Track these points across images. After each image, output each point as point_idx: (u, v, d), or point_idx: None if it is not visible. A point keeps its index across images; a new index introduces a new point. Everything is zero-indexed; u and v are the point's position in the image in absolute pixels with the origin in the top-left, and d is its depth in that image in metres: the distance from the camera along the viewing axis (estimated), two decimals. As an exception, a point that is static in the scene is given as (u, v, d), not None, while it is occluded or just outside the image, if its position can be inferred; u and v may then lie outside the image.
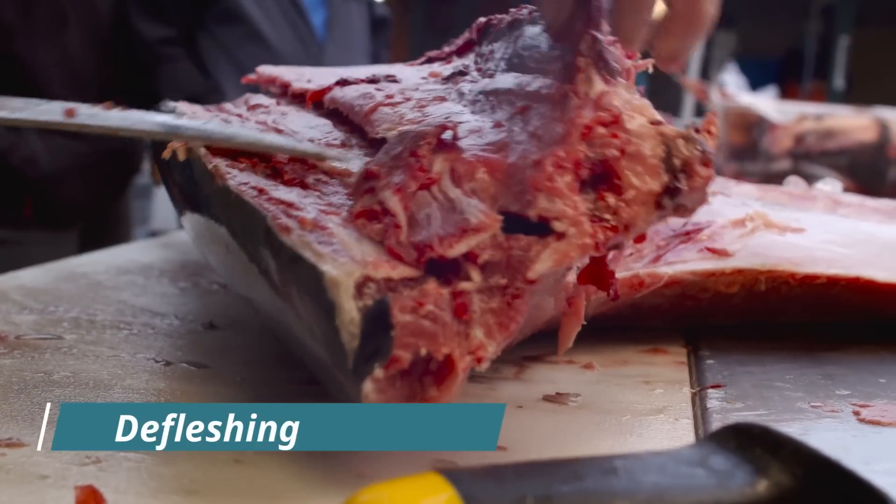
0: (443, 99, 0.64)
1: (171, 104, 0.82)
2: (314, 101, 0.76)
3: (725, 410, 0.59)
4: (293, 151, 0.59)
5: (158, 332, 0.76)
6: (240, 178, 0.56)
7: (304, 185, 0.57)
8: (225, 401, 0.60)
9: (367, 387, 0.43)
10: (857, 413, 0.58)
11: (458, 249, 0.47)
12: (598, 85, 0.53)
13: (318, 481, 0.48)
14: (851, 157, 2.34)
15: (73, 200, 1.66)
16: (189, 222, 0.71)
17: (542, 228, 0.48)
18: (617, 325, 0.76)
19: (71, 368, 0.65)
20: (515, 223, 0.48)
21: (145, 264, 1.03)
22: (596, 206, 0.48)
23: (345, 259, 0.47)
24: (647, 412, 0.60)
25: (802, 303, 0.76)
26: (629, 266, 0.75)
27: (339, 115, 0.70)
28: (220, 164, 0.59)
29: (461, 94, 0.63)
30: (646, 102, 0.53)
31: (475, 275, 0.47)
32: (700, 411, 0.59)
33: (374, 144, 0.62)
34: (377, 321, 0.44)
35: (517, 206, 0.48)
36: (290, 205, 0.53)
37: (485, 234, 0.47)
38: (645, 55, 0.58)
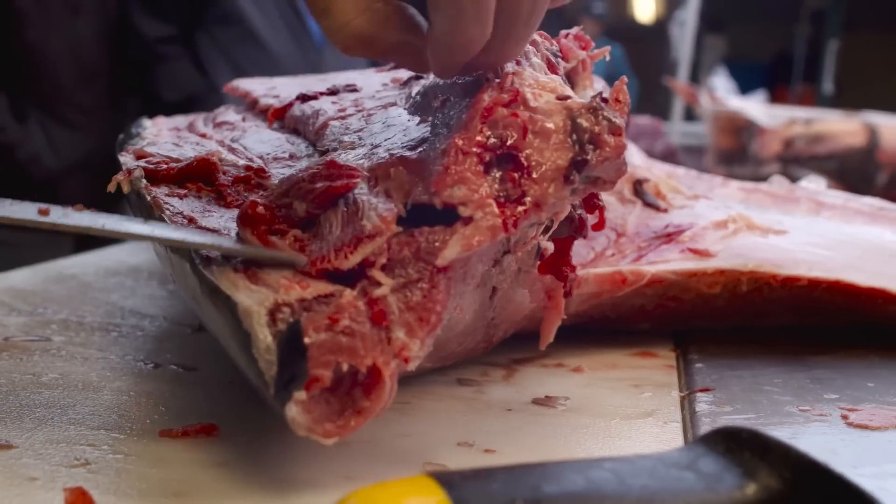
0: (392, 104, 0.64)
1: (143, 122, 0.82)
2: (276, 119, 0.76)
3: (714, 414, 0.59)
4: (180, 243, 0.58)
5: (147, 335, 0.76)
6: (175, 209, 0.56)
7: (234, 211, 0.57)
8: (215, 403, 0.60)
9: (292, 410, 0.43)
10: (845, 417, 0.58)
11: (353, 260, 0.47)
12: (508, 68, 0.52)
13: (306, 484, 0.48)
14: (840, 162, 2.35)
15: (75, 199, 1.67)
16: (156, 248, 0.71)
17: (451, 216, 0.48)
18: (604, 327, 0.76)
19: (59, 370, 0.65)
20: (425, 215, 0.48)
21: (134, 266, 1.03)
22: (503, 188, 0.48)
23: (259, 286, 0.47)
24: (635, 415, 0.60)
25: (785, 305, 0.76)
26: (611, 265, 0.75)
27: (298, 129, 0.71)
28: (160, 194, 0.58)
29: (409, 97, 0.63)
30: (557, 79, 0.52)
31: (384, 279, 0.47)
32: (689, 415, 0.60)
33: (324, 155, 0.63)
34: (291, 345, 0.44)
35: (427, 197, 0.48)
36: (216, 233, 0.53)
37: (380, 238, 0.47)
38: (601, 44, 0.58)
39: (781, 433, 0.52)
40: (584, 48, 0.60)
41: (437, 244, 0.47)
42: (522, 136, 0.49)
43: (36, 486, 0.46)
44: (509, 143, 0.49)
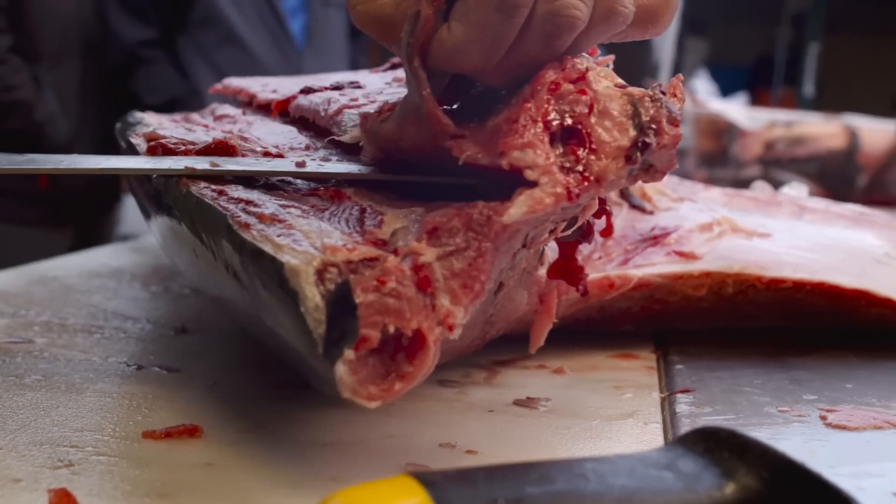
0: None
1: (138, 115, 0.82)
2: (280, 111, 0.76)
3: (694, 415, 0.59)
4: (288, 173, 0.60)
5: (130, 336, 0.76)
6: (201, 183, 0.57)
7: (268, 187, 0.58)
8: (198, 404, 0.60)
9: (340, 369, 0.44)
10: (823, 418, 0.58)
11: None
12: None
13: (289, 485, 0.48)
14: (821, 164, 2.36)
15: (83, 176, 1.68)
16: (156, 228, 0.71)
17: (505, 187, 0.49)
18: (588, 329, 0.77)
19: (42, 372, 0.65)
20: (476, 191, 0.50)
21: (116, 268, 1.03)
22: (567, 160, 0.49)
23: (304, 248, 0.47)
24: (616, 416, 0.60)
25: (770, 307, 0.77)
26: (598, 269, 0.75)
27: (304, 122, 0.71)
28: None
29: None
30: (609, 70, 0.53)
31: (425, 249, 0.47)
32: (669, 415, 0.60)
33: (338, 146, 0.63)
34: (341, 304, 0.45)
35: (490, 159, 0.49)
36: (249, 202, 0.53)
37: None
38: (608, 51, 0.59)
39: (761, 434, 0.53)
40: (590, 54, 0.60)
41: (491, 215, 0.48)
42: (588, 113, 0.50)
43: (20, 488, 0.46)
44: (575, 117, 0.50)
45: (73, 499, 0.44)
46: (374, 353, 0.45)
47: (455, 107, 0.55)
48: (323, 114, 0.67)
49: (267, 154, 0.63)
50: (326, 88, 0.74)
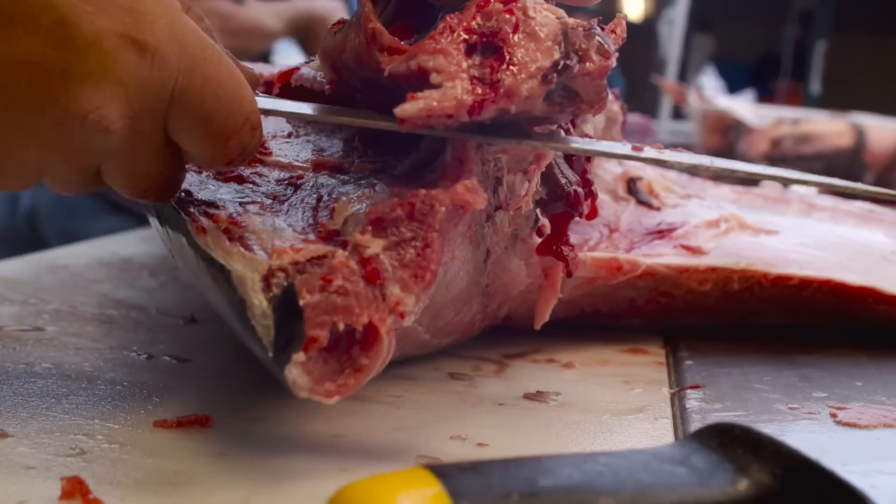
0: None
1: None
2: (282, 83, 0.77)
3: (704, 411, 0.59)
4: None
5: (140, 325, 0.76)
6: None
7: (240, 180, 0.58)
8: (208, 394, 0.60)
9: (292, 372, 0.44)
10: (833, 415, 0.58)
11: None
12: None
13: (300, 475, 0.48)
14: (827, 162, 2.35)
15: None
16: (154, 225, 0.72)
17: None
18: (595, 322, 0.77)
19: (53, 360, 0.65)
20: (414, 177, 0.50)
21: (126, 257, 1.03)
22: (481, 72, 0.49)
23: (255, 252, 0.48)
24: (626, 411, 0.60)
25: (776, 304, 0.77)
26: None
27: (305, 95, 0.72)
28: None
29: None
30: (561, 11, 0.53)
31: (370, 241, 0.47)
32: (679, 411, 0.60)
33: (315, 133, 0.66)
34: (287, 308, 0.45)
35: (405, 65, 0.50)
36: (209, 204, 0.54)
37: None
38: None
39: (770, 430, 0.52)
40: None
41: (434, 204, 0.48)
42: (512, 31, 0.50)
43: (32, 475, 0.46)
44: (496, 34, 0.50)
45: (85, 486, 0.44)
46: (326, 351, 0.45)
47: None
48: (320, 79, 0.68)
49: None
50: None
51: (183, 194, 0.55)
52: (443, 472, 0.37)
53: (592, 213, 0.63)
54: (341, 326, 0.45)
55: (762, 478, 0.39)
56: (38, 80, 0.44)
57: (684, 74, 5.15)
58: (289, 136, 0.67)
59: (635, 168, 0.92)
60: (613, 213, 0.84)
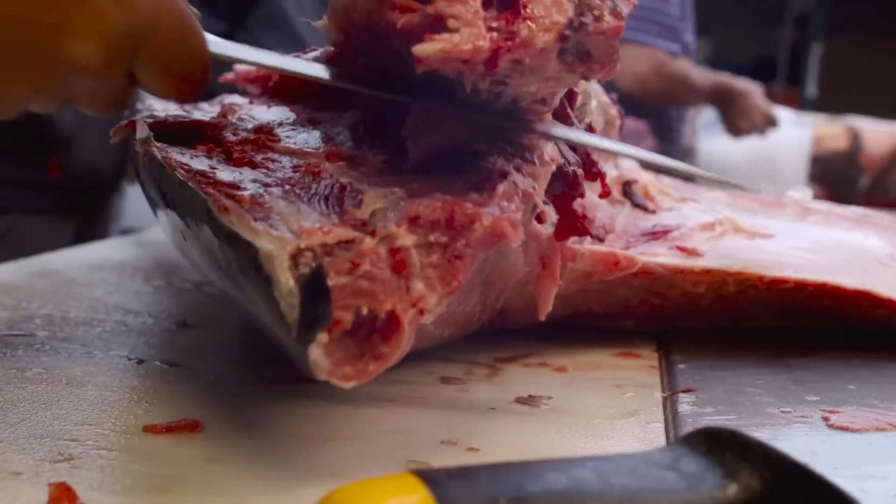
0: None
1: (147, 102, 0.82)
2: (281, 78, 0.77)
3: (696, 415, 0.59)
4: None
5: (131, 330, 0.75)
6: (188, 166, 0.58)
7: (252, 165, 0.59)
8: (199, 399, 0.60)
9: (314, 352, 0.44)
10: (826, 419, 0.58)
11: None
12: None
13: (290, 480, 0.48)
14: (823, 165, 2.36)
15: (90, 160, 1.67)
16: (160, 217, 0.71)
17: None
18: (588, 324, 0.77)
19: (43, 365, 0.65)
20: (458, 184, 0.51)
21: (118, 262, 1.02)
22: (498, 23, 0.51)
23: (280, 232, 0.48)
24: (618, 416, 0.60)
25: (770, 307, 0.77)
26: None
27: (302, 102, 0.72)
28: (172, 153, 0.59)
29: None
30: None
31: (404, 234, 0.48)
32: (671, 415, 0.60)
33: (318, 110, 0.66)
34: (314, 288, 0.45)
35: (419, 18, 0.51)
36: (230, 185, 0.54)
37: None
38: None
39: (763, 434, 0.52)
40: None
41: (472, 223, 0.49)
42: None
43: (20, 481, 0.46)
44: None
45: (73, 493, 0.44)
46: (348, 335, 0.45)
47: None
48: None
49: (256, 130, 0.65)
50: None
51: (200, 177, 0.55)
52: (430, 477, 0.37)
53: (605, 193, 0.64)
54: (364, 311, 0.45)
55: (751, 482, 0.39)
56: (35, 35, 0.52)
57: (681, 78, 5.14)
58: (293, 123, 0.68)
59: (631, 171, 0.92)
60: (609, 216, 0.84)
